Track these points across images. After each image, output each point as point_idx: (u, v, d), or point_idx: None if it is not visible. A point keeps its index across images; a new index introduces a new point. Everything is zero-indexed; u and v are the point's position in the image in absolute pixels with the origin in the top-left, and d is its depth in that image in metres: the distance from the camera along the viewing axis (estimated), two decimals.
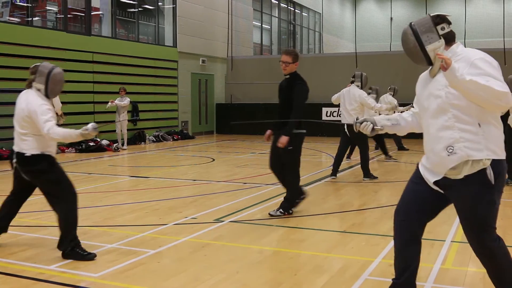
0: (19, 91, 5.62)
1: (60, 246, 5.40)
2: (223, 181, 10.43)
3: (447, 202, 3.78)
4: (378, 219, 7.16)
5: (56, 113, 12.55)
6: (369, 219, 7.21)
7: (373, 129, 4.03)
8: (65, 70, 5.84)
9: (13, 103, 5.60)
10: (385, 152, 14.02)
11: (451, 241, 5.95)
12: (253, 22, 28.02)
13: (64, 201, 5.42)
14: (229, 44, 24.55)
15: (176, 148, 17.71)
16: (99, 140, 16.75)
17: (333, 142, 17.10)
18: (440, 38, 3.53)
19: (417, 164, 3.89)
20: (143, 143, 19.10)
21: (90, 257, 5.33)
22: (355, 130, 4.16)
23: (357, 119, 4.11)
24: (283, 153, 7.13)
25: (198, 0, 22.80)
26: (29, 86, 5.50)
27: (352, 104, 10.58)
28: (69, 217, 5.41)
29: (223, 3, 24.38)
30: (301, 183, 7.51)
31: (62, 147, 16.04)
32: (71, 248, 5.34)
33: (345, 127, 12.56)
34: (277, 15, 31.24)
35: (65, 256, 5.35)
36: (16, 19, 16.76)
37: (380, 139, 14.04)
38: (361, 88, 10.77)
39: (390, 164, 13.53)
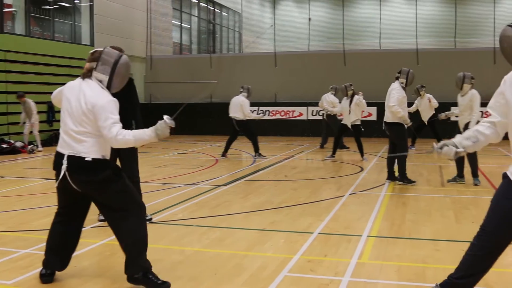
0: None
1: (129, 269, 4.50)
2: (143, 181, 10.19)
3: None
4: (297, 216, 7.29)
5: None
6: (288, 216, 7.31)
7: (455, 152, 3.76)
8: None
9: None
10: (256, 149, 14.02)
11: (367, 236, 6.13)
12: (173, 21, 27.80)
13: (132, 215, 4.48)
14: (148, 43, 24.29)
15: None
16: (12, 142, 16.15)
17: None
18: None
19: (505, 177, 3.54)
20: None
21: (165, 286, 4.50)
22: (435, 156, 3.99)
23: (436, 145, 3.85)
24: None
25: None
26: (88, 75, 4.58)
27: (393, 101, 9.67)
28: (141, 234, 4.49)
29: (141, 1, 24.06)
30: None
31: None
32: (143, 273, 4.48)
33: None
34: (196, 14, 31.15)
35: (133, 281, 4.50)
36: None
37: (253, 138, 14.01)
38: (406, 86, 9.79)
39: (309, 162, 13.80)
